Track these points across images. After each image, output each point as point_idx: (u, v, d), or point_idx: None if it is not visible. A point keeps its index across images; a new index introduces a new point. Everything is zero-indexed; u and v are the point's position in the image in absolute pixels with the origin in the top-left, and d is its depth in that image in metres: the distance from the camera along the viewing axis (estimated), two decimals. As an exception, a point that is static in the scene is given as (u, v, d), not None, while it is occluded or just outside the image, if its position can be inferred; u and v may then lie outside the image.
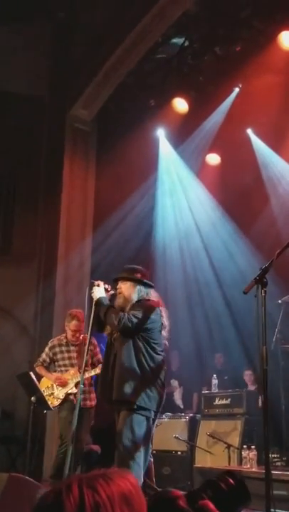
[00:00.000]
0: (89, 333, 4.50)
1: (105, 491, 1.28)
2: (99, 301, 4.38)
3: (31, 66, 9.49)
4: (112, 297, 4.50)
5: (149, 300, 4.40)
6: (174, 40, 9.11)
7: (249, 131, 9.26)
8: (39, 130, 9.57)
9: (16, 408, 8.24)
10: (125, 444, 4.11)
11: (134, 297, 4.41)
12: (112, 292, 4.51)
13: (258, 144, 9.24)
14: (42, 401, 5.57)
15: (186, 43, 9.01)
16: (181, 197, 10.03)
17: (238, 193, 9.27)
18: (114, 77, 9.01)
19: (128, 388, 4.13)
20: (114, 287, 4.54)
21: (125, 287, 4.45)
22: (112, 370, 4.26)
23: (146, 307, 4.32)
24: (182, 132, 9.63)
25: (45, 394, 5.83)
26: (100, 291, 4.44)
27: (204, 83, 9.19)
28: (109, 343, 4.46)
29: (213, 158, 9.82)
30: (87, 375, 5.82)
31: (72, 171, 9.41)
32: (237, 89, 8.73)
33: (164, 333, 4.42)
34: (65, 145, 9.40)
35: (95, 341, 6.03)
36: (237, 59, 8.48)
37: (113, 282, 4.58)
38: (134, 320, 4.21)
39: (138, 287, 4.43)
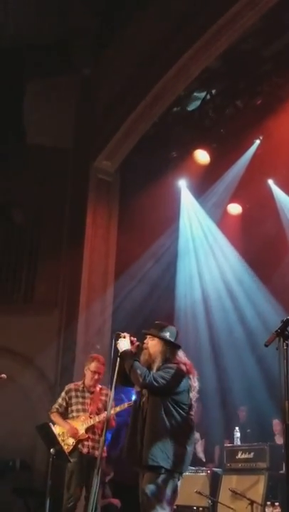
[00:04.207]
0: (112, 385, 4.41)
1: None
2: (124, 354, 4.33)
3: (57, 119, 9.78)
4: (138, 350, 4.43)
5: (177, 363, 4.30)
6: (196, 94, 9.37)
7: (270, 181, 9.36)
8: (63, 181, 9.77)
9: (35, 459, 8.11)
10: (151, 502, 4.02)
11: (159, 356, 4.32)
12: (137, 344, 4.45)
13: (279, 194, 9.33)
14: (61, 453, 5.48)
15: (208, 97, 9.26)
16: (203, 246, 10.08)
17: (260, 242, 9.30)
18: (137, 130, 9.25)
19: (159, 453, 4.06)
20: (140, 341, 4.48)
21: (152, 344, 4.38)
22: (142, 434, 4.18)
23: (174, 370, 4.24)
24: (204, 183, 9.77)
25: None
26: (125, 344, 4.39)
27: (225, 135, 9.40)
28: (137, 405, 4.37)
29: (235, 208, 9.91)
30: (92, 421, 5.76)
31: (95, 220, 9.54)
32: (258, 141, 8.90)
33: (193, 394, 4.31)
34: (88, 195, 9.56)
35: (109, 392, 5.98)
36: (258, 112, 8.69)
37: (142, 336, 4.51)
38: (161, 381, 4.16)
39: (165, 347, 4.34)
